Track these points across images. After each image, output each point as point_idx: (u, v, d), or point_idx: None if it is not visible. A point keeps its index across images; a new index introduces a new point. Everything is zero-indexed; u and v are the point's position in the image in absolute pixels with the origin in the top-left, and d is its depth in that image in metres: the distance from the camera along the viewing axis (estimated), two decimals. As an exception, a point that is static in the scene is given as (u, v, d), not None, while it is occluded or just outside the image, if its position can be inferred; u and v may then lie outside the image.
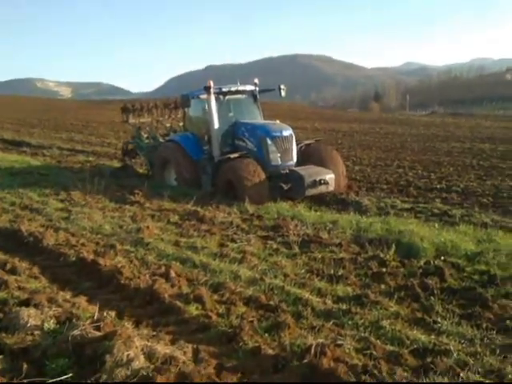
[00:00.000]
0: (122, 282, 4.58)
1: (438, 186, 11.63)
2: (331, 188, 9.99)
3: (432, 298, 4.50)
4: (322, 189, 9.86)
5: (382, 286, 4.83)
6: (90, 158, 17.59)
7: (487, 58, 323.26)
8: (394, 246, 6.00)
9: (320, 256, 5.77)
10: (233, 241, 6.51)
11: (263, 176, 9.63)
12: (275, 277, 4.93)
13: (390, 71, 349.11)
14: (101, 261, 5.02)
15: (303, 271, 5.22)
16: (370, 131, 31.93)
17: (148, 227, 6.83)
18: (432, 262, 5.58)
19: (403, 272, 5.25)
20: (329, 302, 4.37)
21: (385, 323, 3.92)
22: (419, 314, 4.21)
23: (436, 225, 7.69)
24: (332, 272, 5.13)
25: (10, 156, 18.02)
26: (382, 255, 5.78)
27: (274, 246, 6.24)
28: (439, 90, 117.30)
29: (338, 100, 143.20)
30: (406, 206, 9.59)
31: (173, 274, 4.77)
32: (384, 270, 5.28)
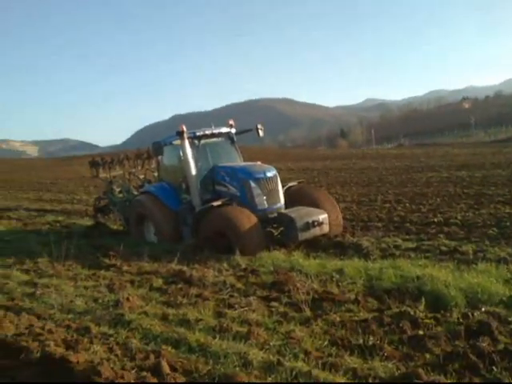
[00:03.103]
0: (101, 385, 3.52)
1: (435, 220, 10.98)
2: (326, 229, 9.15)
3: (494, 368, 3.61)
4: (316, 231, 8.98)
5: (427, 356, 3.90)
6: (60, 218, 16.45)
7: (442, 90, 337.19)
8: (423, 298, 5.13)
9: (338, 319, 4.83)
10: (231, 307, 5.48)
11: (256, 220, 8.75)
12: (295, 357, 3.92)
13: (352, 108, 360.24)
14: (72, 356, 3.91)
15: (326, 343, 4.25)
16: (343, 167, 31.82)
17: (128, 299, 5.74)
18: (470, 314, 4.73)
19: (443, 332, 4.36)
20: (374, 389, 3.42)
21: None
22: (490, 395, 3.31)
23: (451, 265, 6.93)
24: (361, 341, 4.19)
25: (-29, 223, 16.64)
26: (410, 311, 4.90)
27: (281, 310, 5.26)
28: (402, 123, 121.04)
29: (305, 140, 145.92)
30: (410, 244, 8.83)
31: (165, 367, 3.70)
32: (421, 332, 4.38)
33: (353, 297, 5.56)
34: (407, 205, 13.89)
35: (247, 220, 8.60)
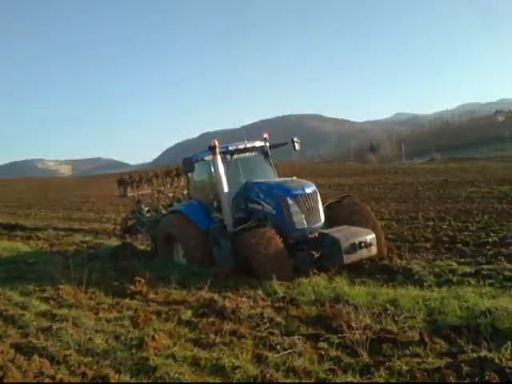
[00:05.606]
0: None
1: (490, 240, 9.95)
2: (374, 251, 8.20)
3: None
4: (364, 253, 8.03)
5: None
6: (87, 238, 16.07)
7: (474, 103, 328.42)
8: (509, 343, 4.21)
9: (405, 367, 3.98)
10: (272, 348, 4.68)
11: (280, 245, 7.99)
12: (360, 424, 3.14)
13: (381, 123, 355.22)
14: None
15: (396, 404, 3.42)
16: (376, 183, 30.65)
17: (154, 337, 5.01)
18: None
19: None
20: None
21: None
22: None
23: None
24: (441, 401, 3.35)
25: (-1, 243, 16.42)
26: (492, 357, 3.99)
27: (333, 354, 4.42)
28: (433, 137, 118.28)
29: (333, 155, 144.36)
30: (468, 269, 7.85)
31: None
32: (513, 387, 3.51)
33: (416, 337, 4.69)
34: (452, 222, 12.87)
35: (269, 246, 7.88)
